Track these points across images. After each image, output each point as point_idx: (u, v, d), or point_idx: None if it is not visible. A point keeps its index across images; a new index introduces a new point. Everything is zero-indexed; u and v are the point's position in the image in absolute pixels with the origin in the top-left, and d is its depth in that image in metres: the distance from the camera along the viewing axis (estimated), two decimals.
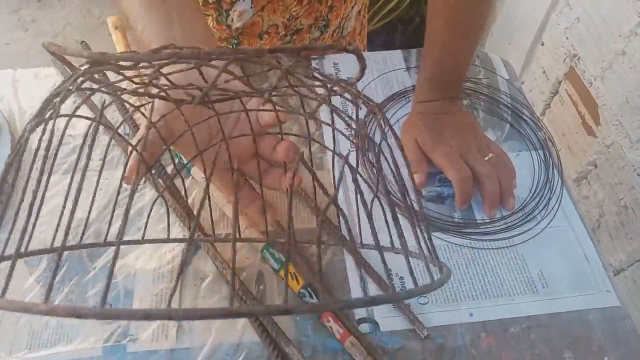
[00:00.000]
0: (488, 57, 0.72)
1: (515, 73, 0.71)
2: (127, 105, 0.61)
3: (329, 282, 0.49)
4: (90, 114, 0.59)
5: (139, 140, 0.38)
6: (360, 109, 0.34)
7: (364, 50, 0.86)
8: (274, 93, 0.32)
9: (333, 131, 0.39)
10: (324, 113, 0.62)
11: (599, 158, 1.02)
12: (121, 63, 0.27)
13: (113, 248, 0.50)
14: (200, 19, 0.52)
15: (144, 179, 0.53)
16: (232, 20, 0.69)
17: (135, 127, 0.58)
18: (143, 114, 0.40)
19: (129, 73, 0.29)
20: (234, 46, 0.73)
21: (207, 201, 0.48)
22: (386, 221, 0.33)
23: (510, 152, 0.59)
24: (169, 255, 0.49)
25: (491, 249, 0.52)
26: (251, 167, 0.45)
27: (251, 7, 0.68)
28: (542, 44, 1.22)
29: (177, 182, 0.53)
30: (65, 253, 0.50)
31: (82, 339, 0.44)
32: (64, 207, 0.31)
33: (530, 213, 0.55)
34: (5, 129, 0.58)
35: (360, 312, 0.47)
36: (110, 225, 0.39)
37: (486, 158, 0.56)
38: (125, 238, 0.51)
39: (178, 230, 0.51)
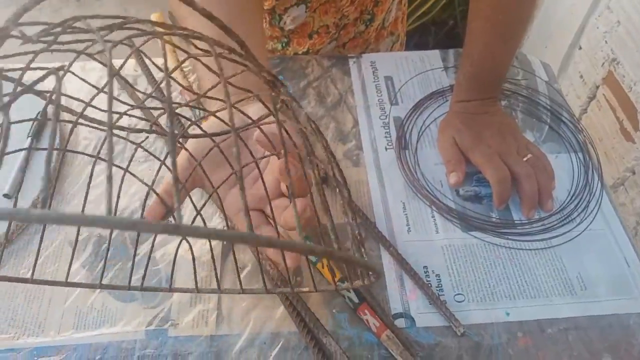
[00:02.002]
0: (527, 59, 0.71)
1: (554, 75, 0.70)
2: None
3: None
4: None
5: (153, 181, 0.39)
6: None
7: (404, 38, 0.86)
8: None
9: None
10: (361, 117, 0.63)
11: (637, 164, 1.00)
12: None
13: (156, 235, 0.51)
14: (259, 22, 0.53)
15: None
16: (285, 23, 0.71)
17: (175, 118, 0.60)
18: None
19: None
20: (284, 45, 0.74)
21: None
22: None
23: (549, 153, 0.59)
24: (209, 245, 0.51)
25: (529, 249, 0.52)
26: (274, 208, 0.42)
27: (305, 12, 0.69)
28: (580, 48, 1.20)
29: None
30: (110, 239, 0.52)
31: (126, 322, 0.46)
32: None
33: (569, 215, 0.55)
34: (53, 120, 0.60)
35: (396, 307, 0.47)
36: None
37: (525, 159, 0.56)
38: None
39: (218, 221, 0.52)
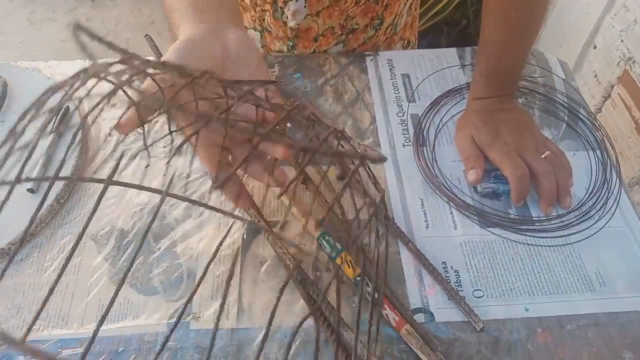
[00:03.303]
0: (544, 57, 0.71)
1: (571, 72, 0.70)
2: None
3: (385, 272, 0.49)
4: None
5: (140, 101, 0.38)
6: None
7: (415, 42, 0.86)
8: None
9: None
10: (379, 114, 0.63)
11: None
12: None
13: (177, 230, 0.52)
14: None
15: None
16: (287, 17, 0.71)
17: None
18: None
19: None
20: (289, 48, 0.75)
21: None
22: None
23: (567, 151, 0.58)
24: (230, 240, 0.51)
25: (547, 246, 0.52)
26: (244, 150, 0.44)
27: (305, 7, 0.69)
28: (595, 47, 1.19)
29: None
30: (131, 234, 0.53)
31: (148, 315, 0.47)
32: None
33: (587, 212, 0.55)
34: (75, 113, 0.61)
35: (415, 303, 0.48)
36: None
37: (543, 156, 0.56)
38: (188, 221, 0.53)
39: (238, 214, 0.53)
